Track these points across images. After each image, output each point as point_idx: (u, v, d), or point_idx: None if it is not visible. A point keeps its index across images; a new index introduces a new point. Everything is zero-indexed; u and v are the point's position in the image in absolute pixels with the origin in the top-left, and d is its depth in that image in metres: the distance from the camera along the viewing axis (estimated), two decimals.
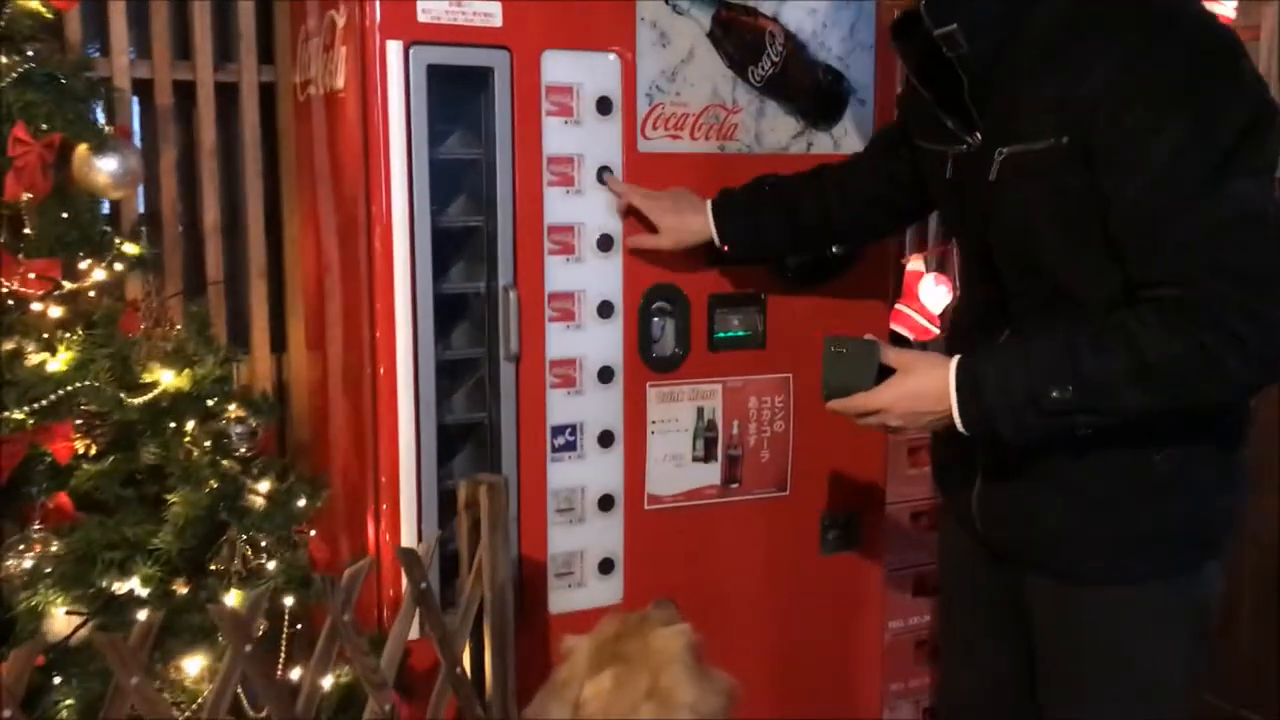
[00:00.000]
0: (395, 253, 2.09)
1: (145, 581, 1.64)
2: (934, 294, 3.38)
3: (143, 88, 2.59)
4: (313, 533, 2.04)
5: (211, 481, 1.73)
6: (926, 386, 1.56)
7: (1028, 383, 1.50)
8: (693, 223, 2.15)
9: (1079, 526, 1.62)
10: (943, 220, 1.90)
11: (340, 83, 2.21)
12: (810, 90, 2.37)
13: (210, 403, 1.79)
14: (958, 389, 1.54)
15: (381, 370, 2.13)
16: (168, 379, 1.74)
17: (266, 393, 2.19)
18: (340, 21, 2.18)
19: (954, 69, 1.57)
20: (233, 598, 1.71)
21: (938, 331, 3.40)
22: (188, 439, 1.76)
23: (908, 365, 1.59)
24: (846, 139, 2.42)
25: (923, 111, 1.72)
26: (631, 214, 2.22)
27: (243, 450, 1.93)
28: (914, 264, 3.42)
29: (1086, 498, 1.60)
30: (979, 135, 1.61)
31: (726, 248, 2.18)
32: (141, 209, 2.56)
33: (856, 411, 1.63)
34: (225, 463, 1.79)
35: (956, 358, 1.57)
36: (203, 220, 2.65)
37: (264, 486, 2.00)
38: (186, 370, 1.75)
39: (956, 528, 1.86)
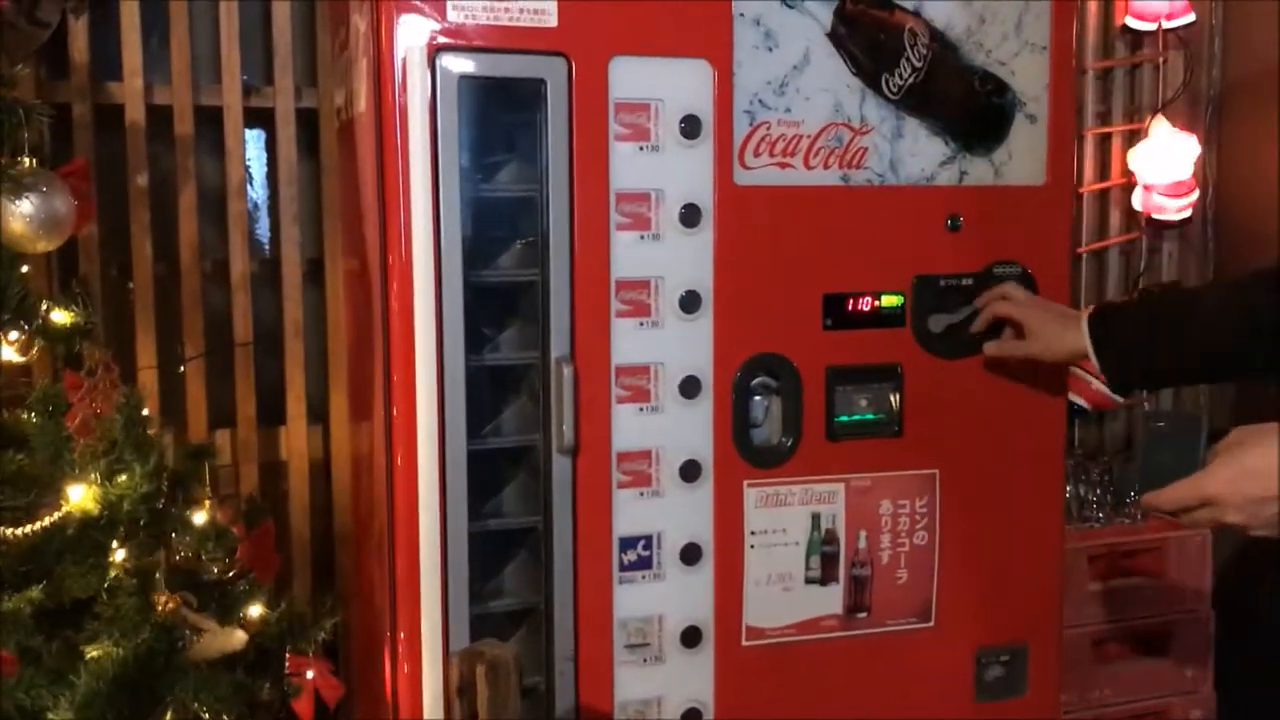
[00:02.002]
0: (417, 313, 1.65)
1: None
2: None
3: (163, 116, 2.22)
4: (309, 673, 1.58)
5: (142, 632, 1.29)
6: (1262, 463, 1.29)
7: None
8: (1068, 334, 1.77)
9: None
10: None
11: (363, 104, 1.79)
12: (963, 104, 1.87)
13: (140, 522, 1.36)
14: None
15: (399, 459, 1.68)
16: (76, 496, 1.31)
17: (255, 497, 1.78)
18: (362, 26, 1.75)
19: None
20: None
21: (1121, 400, 2.80)
22: (114, 572, 1.33)
23: (1237, 440, 1.33)
24: (1011, 166, 1.88)
25: None
26: (729, 270, 1.72)
27: (215, 571, 1.49)
28: None
29: None
30: None
31: (1105, 372, 1.75)
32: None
33: (1179, 505, 1.36)
34: (166, 602, 1.35)
35: None
36: (230, 270, 2.25)
37: (256, 611, 1.57)
38: (95, 489, 1.31)
39: None
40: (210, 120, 2.28)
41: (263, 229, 2.44)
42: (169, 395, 2.26)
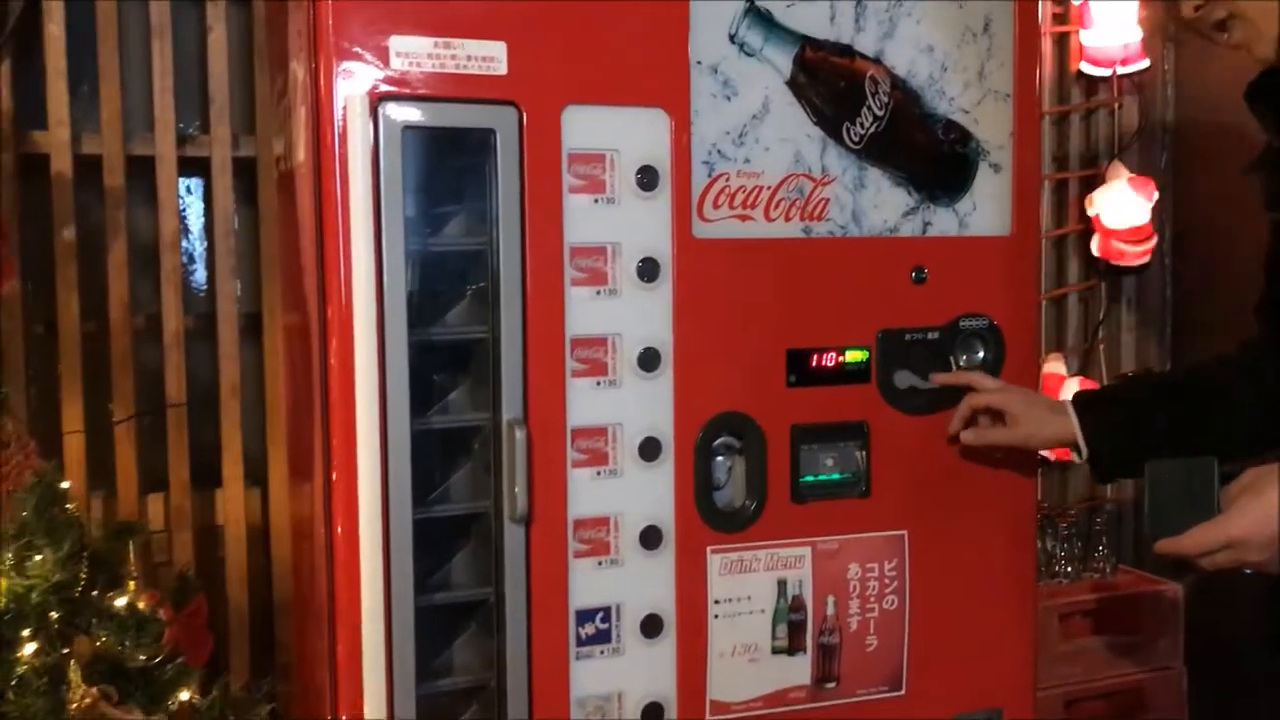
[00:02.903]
0: (358, 372, 1.55)
1: None
2: None
3: (93, 166, 2.11)
4: None
5: None
6: None
7: None
8: (1053, 420, 1.73)
9: None
10: None
11: (301, 155, 1.70)
12: (926, 152, 1.82)
13: (52, 615, 1.24)
14: None
15: (339, 528, 1.57)
16: None
17: (185, 574, 1.67)
18: (300, 74, 1.67)
19: None
20: None
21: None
22: (22, 668, 1.21)
23: (1252, 482, 1.36)
24: (976, 216, 1.83)
25: None
26: (689, 326, 1.65)
27: (141, 659, 1.37)
28: (1052, 365, 2.81)
29: None
30: None
31: (1094, 459, 1.71)
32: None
33: (1202, 549, 1.36)
34: (83, 695, 1.23)
35: None
36: (163, 326, 2.14)
37: (185, 697, 1.45)
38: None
39: None
40: (144, 170, 2.18)
41: (199, 282, 2.34)
42: (98, 459, 2.14)
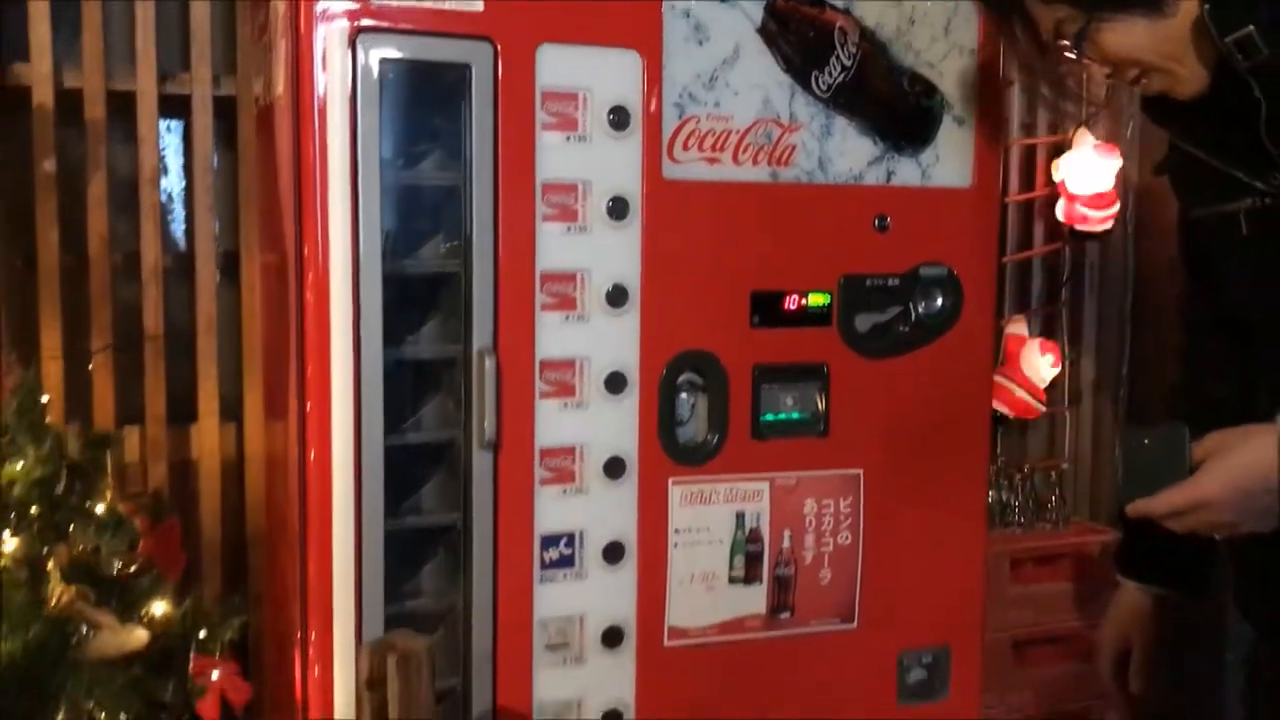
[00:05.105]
0: (333, 303, 1.61)
1: None
2: (1040, 362, 2.82)
3: (72, 105, 2.13)
4: (215, 674, 1.52)
5: (33, 626, 1.22)
6: (1250, 458, 1.31)
7: None
8: (1135, 607, 1.70)
9: None
10: (1234, 292, 1.55)
11: (280, 88, 1.73)
12: (892, 104, 1.87)
13: (33, 510, 1.29)
14: None
15: (313, 454, 1.62)
16: None
17: (160, 492, 1.71)
18: (281, 7, 1.70)
19: (1237, 106, 1.32)
20: None
21: (1042, 409, 2.83)
22: (3, 563, 1.26)
23: (1220, 444, 1.35)
24: (938, 168, 1.89)
25: (1197, 175, 1.47)
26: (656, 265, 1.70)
27: (116, 567, 1.42)
28: (1015, 327, 2.87)
29: None
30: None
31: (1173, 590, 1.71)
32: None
33: (1174, 509, 1.36)
34: (61, 592, 1.28)
35: None
36: (142, 262, 2.17)
37: (159, 608, 1.50)
38: None
39: None
40: (123, 109, 2.20)
41: (177, 223, 2.36)
42: (74, 390, 2.17)
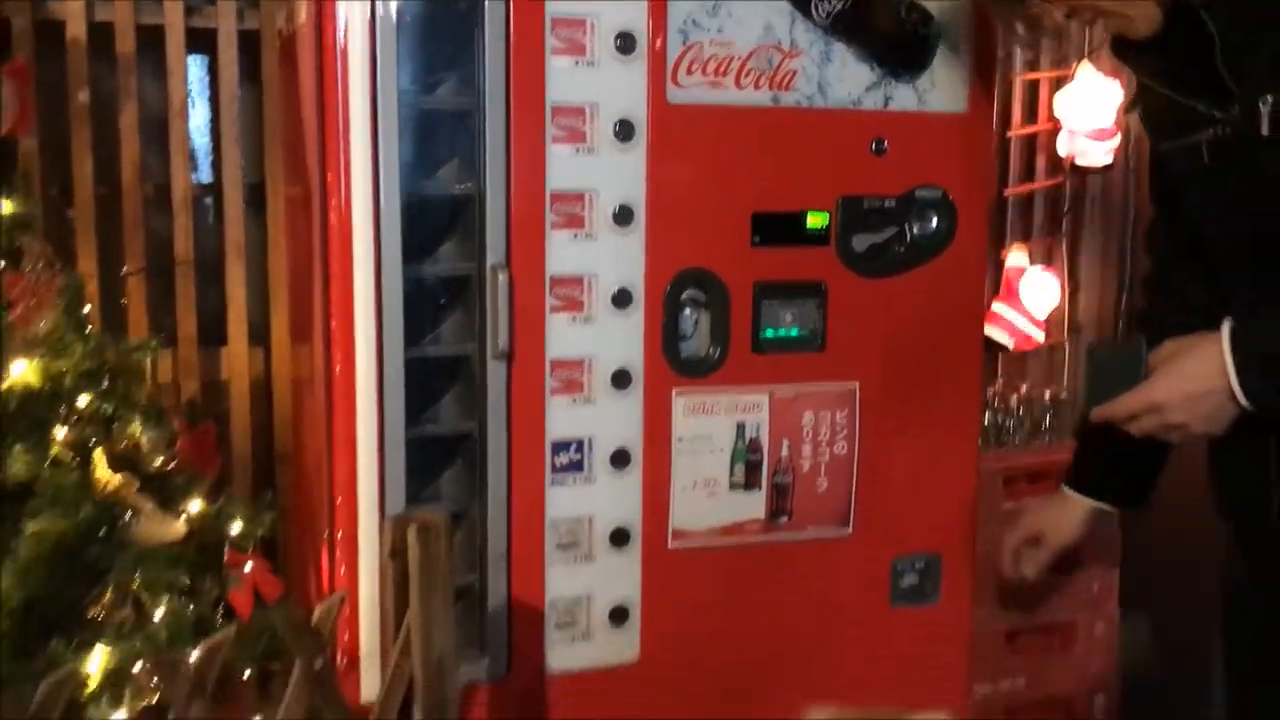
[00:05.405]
0: (355, 226, 1.70)
1: None
2: (1039, 293, 2.89)
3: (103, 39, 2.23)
4: (248, 567, 1.63)
5: (83, 508, 1.33)
6: (1198, 365, 1.43)
7: None
8: (1070, 513, 1.92)
9: None
10: (1199, 223, 1.63)
11: (302, 17, 1.82)
12: (890, 32, 1.92)
13: (81, 402, 1.39)
14: (1233, 350, 1.40)
15: (337, 368, 1.72)
16: (19, 370, 1.35)
17: (195, 399, 1.82)
18: None
19: (1192, 41, 1.39)
20: (99, 656, 1.32)
21: (1041, 338, 2.91)
22: (55, 449, 1.37)
23: (1172, 352, 1.48)
24: (934, 94, 1.95)
25: (1162, 110, 1.55)
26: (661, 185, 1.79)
27: (155, 463, 1.53)
28: (1015, 257, 2.94)
29: None
30: (1237, 106, 1.41)
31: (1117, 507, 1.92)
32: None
33: (1128, 412, 1.49)
34: (108, 480, 1.39)
35: (1226, 323, 1.43)
36: (172, 191, 2.27)
37: (195, 506, 1.62)
38: (38, 361, 1.35)
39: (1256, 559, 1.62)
40: (152, 44, 2.29)
41: (204, 160, 2.46)
42: (110, 316, 2.27)
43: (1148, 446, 1.70)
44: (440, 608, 1.33)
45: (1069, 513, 1.92)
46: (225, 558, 1.63)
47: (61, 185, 2.28)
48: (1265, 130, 1.37)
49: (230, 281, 2.35)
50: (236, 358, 2.38)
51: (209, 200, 2.41)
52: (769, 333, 1.91)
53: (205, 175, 2.45)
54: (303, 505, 2.22)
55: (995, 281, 2.92)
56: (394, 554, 1.35)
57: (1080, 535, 1.93)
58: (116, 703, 1.31)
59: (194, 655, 1.17)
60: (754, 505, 1.92)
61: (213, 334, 2.38)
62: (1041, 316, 2.92)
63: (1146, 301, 1.87)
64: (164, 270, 2.30)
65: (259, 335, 2.43)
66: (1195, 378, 1.44)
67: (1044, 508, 1.97)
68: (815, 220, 1.91)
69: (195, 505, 1.64)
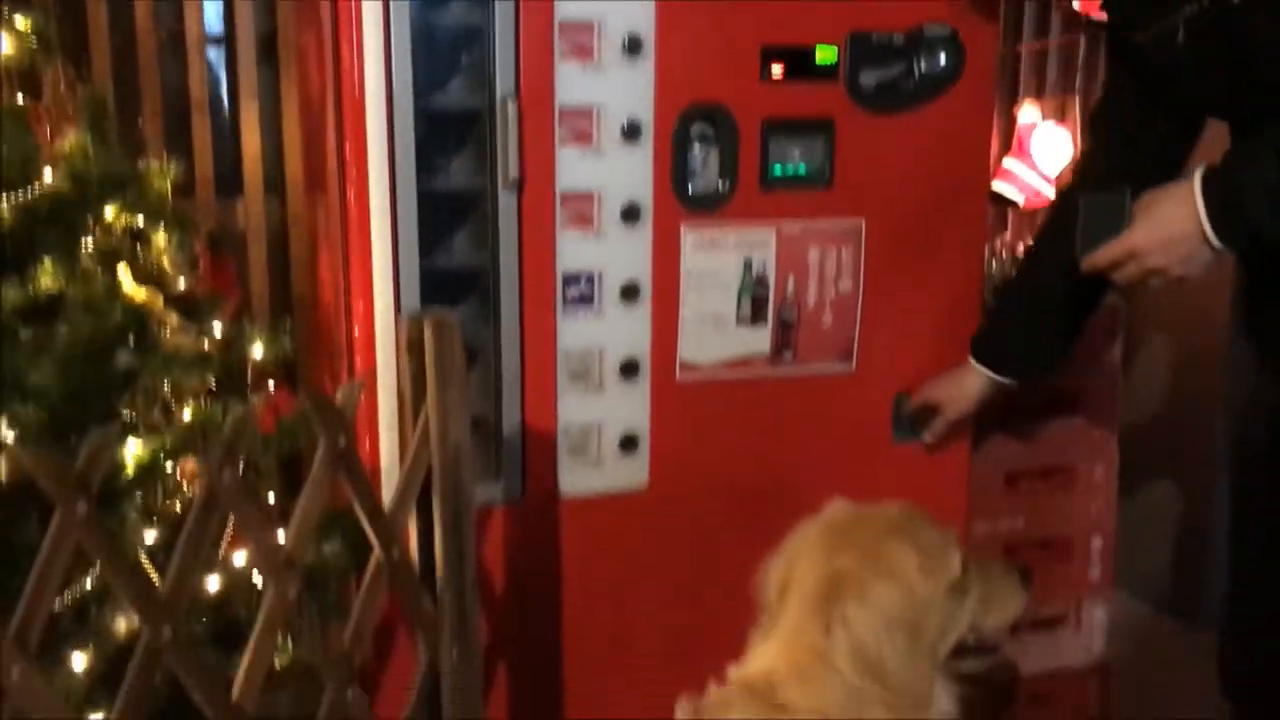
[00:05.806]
0: (367, 56, 1.71)
1: (19, 425, 1.30)
2: (1050, 148, 2.88)
3: None
4: (270, 384, 1.70)
5: (113, 314, 1.38)
6: (1172, 209, 1.50)
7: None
8: (969, 383, 1.99)
9: None
10: (1181, 102, 1.69)
11: None
12: None
13: (109, 211, 1.43)
14: (1204, 194, 1.46)
15: (351, 197, 1.76)
16: (49, 176, 1.38)
17: (214, 230, 1.85)
18: None
19: None
20: (133, 447, 1.39)
21: (1052, 195, 2.91)
22: (83, 261, 1.42)
23: (1150, 200, 1.53)
24: None
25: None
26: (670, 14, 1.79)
27: (183, 283, 1.58)
28: (1027, 113, 2.92)
29: None
30: None
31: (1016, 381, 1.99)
32: None
33: (1111, 261, 1.56)
34: (134, 292, 1.44)
35: (1198, 169, 1.49)
36: (185, 32, 2.28)
37: (217, 329, 1.67)
38: (65, 167, 1.39)
39: None
40: None
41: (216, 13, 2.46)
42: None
43: (1054, 323, 1.86)
44: (456, 399, 1.39)
45: (968, 384, 1.99)
46: (248, 376, 1.68)
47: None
48: (1236, 1, 1.41)
49: (245, 125, 2.37)
50: (253, 204, 2.41)
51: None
52: (777, 169, 1.93)
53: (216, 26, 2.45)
54: (320, 350, 2.27)
55: (1007, 139, 2.92)
56: (410, 349, 1.40)
57: (977, 407, 2.01)
58: (150, 497, 1.38)
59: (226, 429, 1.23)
60: (760, 340, 1.97)
61: (229, 185, 2.41)
62: (1053, 173, 2.91)
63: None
64: (181, 116, 2.32)
65: (274, 184, 2.45)
66: (1171, 222, 1.50)
67: (944, 378, 2.02)
68: (824, 55, 1.91)
69: (217, 327, 1.68)
